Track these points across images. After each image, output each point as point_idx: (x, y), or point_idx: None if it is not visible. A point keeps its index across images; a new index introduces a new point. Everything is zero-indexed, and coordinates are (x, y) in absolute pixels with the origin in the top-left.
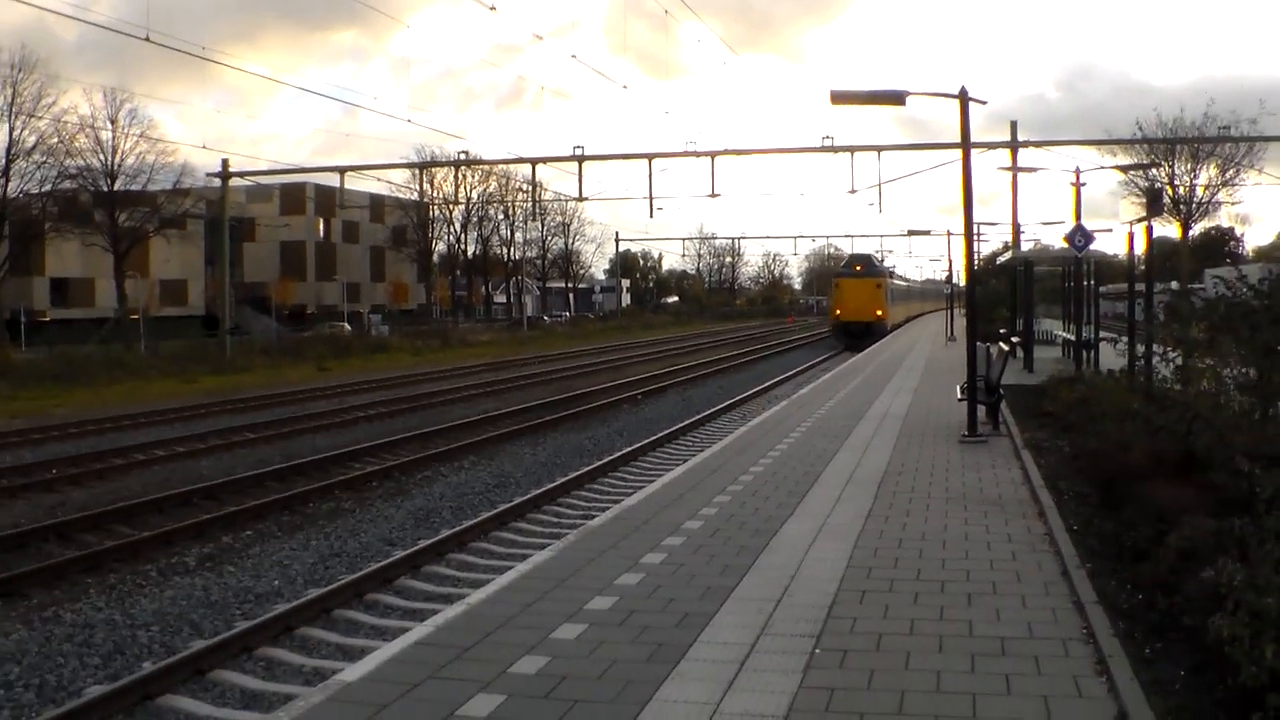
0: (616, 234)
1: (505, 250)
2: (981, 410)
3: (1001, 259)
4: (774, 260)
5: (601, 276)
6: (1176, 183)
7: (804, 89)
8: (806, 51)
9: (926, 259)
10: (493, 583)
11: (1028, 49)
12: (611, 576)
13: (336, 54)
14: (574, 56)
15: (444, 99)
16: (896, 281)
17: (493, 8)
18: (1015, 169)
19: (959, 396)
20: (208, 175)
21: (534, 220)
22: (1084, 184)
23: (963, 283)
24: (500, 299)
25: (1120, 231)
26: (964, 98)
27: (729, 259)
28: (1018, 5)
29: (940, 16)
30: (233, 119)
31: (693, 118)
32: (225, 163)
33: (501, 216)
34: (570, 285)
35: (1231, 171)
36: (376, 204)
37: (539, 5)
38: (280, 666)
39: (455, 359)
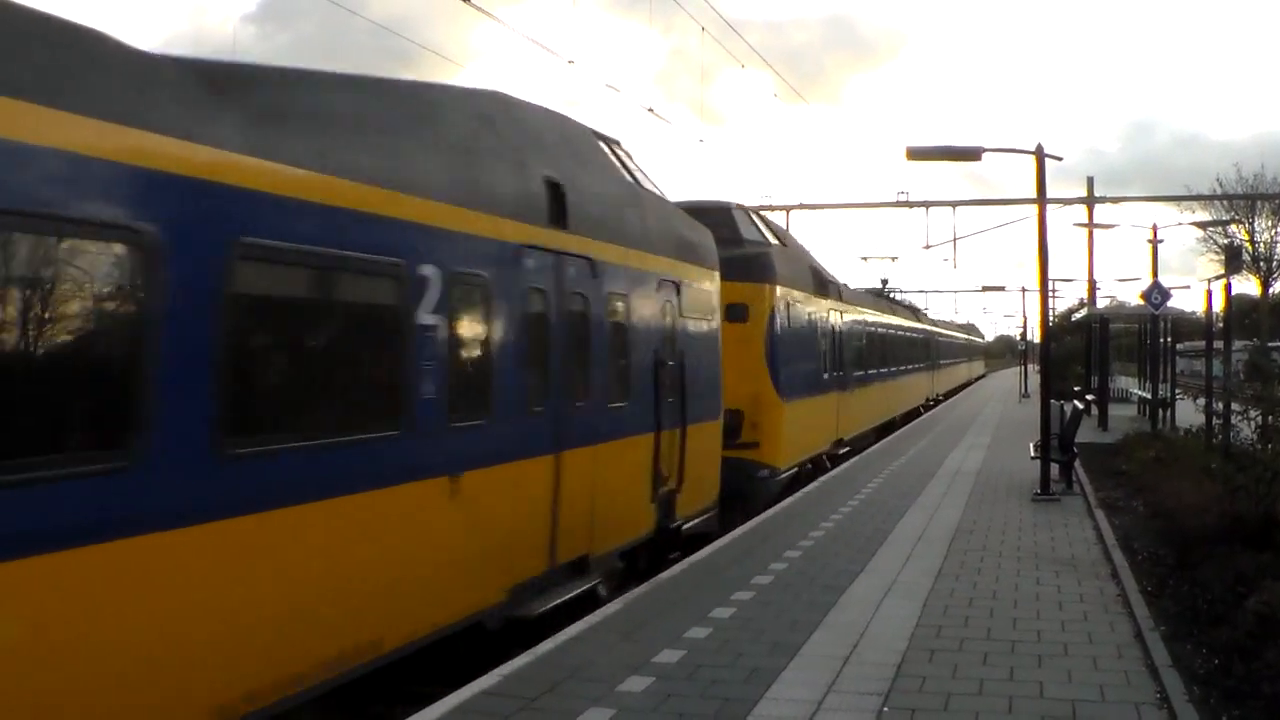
0: None
1: None
2: (1055, 469)
3: (1077, 316)
4: None
5: None
6: (1257, 239)
7: (861, 138)
8: (857, 102)
9: (1001, 315)
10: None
11: (1087, 102)
12: (679, 630)
13: None
14: (650, 110)
15: None
16: None
17: (571, 61)
18: (1092, 225)
19: (1032, 454)
20: None
21: None
22: (1161, 240)
23: (1038, 339)
24: None
25: (1198, 288)
26: (1040, 154)
27: None
28: (1080, 60)
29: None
30: None
31: (762, 167)
32: None
33: None
34: None
35: None
36: None
37: (609, 56)
38: None
39: None
